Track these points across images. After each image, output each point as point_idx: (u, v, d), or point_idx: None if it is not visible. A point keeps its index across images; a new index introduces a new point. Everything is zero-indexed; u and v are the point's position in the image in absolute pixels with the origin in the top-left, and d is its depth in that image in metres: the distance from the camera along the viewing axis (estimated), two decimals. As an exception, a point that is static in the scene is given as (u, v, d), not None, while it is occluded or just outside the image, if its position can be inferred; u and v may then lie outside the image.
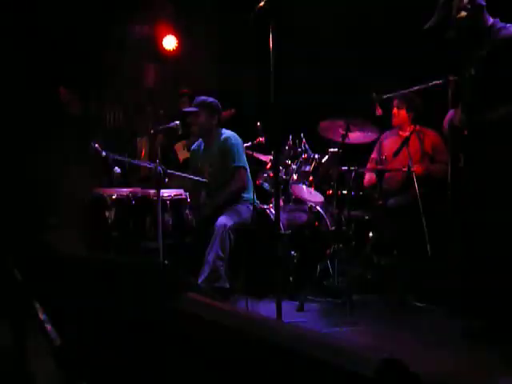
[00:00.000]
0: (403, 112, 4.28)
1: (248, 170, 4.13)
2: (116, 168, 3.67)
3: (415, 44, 4.58)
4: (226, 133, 4.13)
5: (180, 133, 5.31)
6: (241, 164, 4.01)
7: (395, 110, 4.31)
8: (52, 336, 1.52)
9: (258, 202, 4.24)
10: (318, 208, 4.36)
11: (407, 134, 4.13)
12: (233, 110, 4.87)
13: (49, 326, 1.55)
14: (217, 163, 4.09)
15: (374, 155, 4.51)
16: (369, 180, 4.45)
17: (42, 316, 1.56)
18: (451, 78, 3.63)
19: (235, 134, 4.14)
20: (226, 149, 4.03)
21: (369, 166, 4.47)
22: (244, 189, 4.04)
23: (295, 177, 4.31)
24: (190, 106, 4.23)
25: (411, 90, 3.74)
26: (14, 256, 1.63)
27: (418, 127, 4.23)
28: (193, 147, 4.43)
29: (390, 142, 4.37)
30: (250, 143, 4.44)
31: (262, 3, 2.12)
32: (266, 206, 4.19)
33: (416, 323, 3.21)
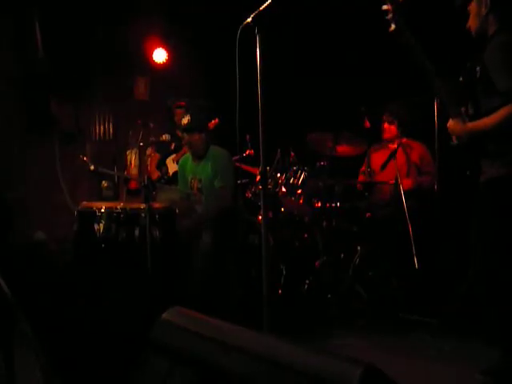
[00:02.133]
0: (394, 127, 4.34)
1: (236, 186, 4.16)
2: (105, 181, 3.66)
3: (403, 57, 4.65)
4: (217, 150, 4.13)
5: (173, 148, 5.34)
6: (227, 183, 4.00)
7: (386, 124, 4.37)
8: (39, 350, 1.52)
9: (247, 214, 4.26)
10: (307, 220, 4.38)
11: (395, 146, 4.19)
12: (216, 120, 4.87)
13: (36, 340, 1.54)
14: (207, 179, 4.10)
15: (363, 168, 4.56)
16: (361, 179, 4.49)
17: (28, 330, 1.56)
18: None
19: (226, 152, 4.14)
20: (216, 167, 4.04)
21: (360, 178, 4.53)
22: (228, 207, 4.04)
23: (284, 189, 4.33)
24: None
25: (398, 102, 3.80)
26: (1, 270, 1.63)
27: (404, 140, 4.29)
28: (180, 160, 4.44)
29: (378, 155, 4.41)
30: (238, 156, 4.46)
31: (248, 19, 2.15)
32: (254, 219, 4.20)
33: (405, 335, 3.23)
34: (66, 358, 1.55)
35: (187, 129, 4.04)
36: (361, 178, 4.55)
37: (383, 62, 4.83)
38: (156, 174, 5.28)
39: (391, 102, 4.34)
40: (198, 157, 4.15)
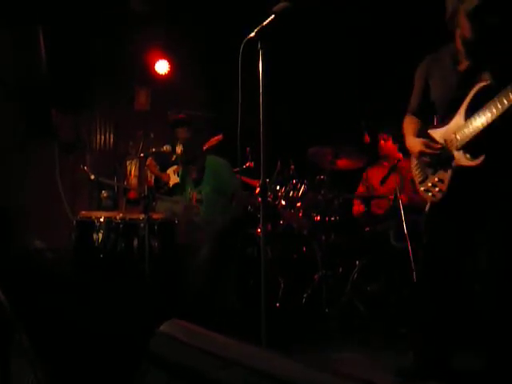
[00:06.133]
0: (389, 143, 4.38)
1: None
2: (104, 191, 3.67)
3: (402, 72, 4.69)
4: (214, 160, 4.16)
5: (173, 158, 5.35)
6: (237, 186, 4.04)
7: (382, 142, 4.41)
8: (37, 361, 1.51)
9: (246, 226, 4.26)
10: (306, 234, 4.37)
11: (391, 164, 4.25)
12: (220, 136, 4.90)
13: (33, 351, 1.54)
14: (208, 191, 4.11)
15: (360, 189, 4.58)
16: (357, 210, 4.51)
17: (25, 341, 1.55)
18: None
19: (223, 160, 4.17)
20: (220, 178, 4.06)
21: (356, 194, 4.54)
22: (247, 205, 4.09)
23: (283, 202, 4.34)
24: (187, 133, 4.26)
25: (392, 120, 3.84)
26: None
27: (401, 157, 4.33)
28: (181, 171, 4.45)
29: (375, 173, 4.44)
30: (238, 168, 4.47)
31: (252, 34, 2.17)
32: (253, 231, 4.20)
33: (404, 351, 3.21)
34: (63, 370, 1.54)
35: (181, 160, 4.11)
36: (356, 207, 4.55)
37: (383, 78, 4.86)
38: (162, 176, 5.30)
39: (386, 119, 4.40)
40: (194, 180, 4.19)
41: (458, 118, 2.47)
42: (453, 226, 2.59)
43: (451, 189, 2.52)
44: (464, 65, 2.51)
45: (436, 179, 2.58)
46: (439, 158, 2.55)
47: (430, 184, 2.61)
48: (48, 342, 1.58)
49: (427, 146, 2.58)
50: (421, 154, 2.61)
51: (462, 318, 2.78)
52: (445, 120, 2.55)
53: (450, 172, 2.51)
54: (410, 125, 2.79)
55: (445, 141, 2.54)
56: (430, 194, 2.61)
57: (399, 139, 4.36)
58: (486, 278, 2.51)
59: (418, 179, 2.70)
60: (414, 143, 2.66)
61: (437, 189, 2.57)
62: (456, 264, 2.62)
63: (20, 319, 1.55)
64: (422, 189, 2.67)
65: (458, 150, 2.46)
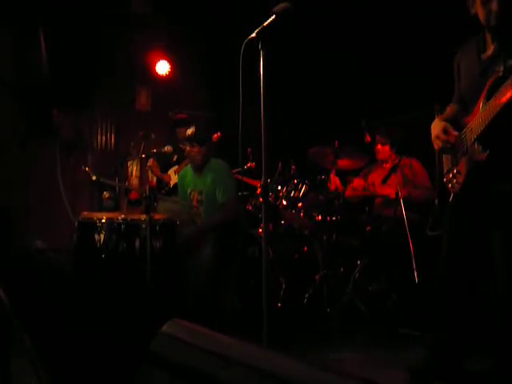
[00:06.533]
0: (387, 148, 4.38)
1: (238, 197, 4.17)
2: (106, 191, 3.67)
3: (404, 72, 4.69)
4: (217, 163, 4.14)
5: (175, 159, 5.35)
6: (230, 196, 4.00)
7: (379, 146, 4.40)
8: (37, 361, 1.52)
9: (247, 227, 4.26)
10: (307, 233, 4.38)
11: (392, 164, 4.25)
12: (218, 133, 4.90)
13: (34, 351, 1.54)
14: (207, 191, 4.10)
15: (357, 181, 4.56)
16: (332, 186, 4.44)
17: (27, 340, 1.56)
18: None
19: (226, 164, 4.15)
20: (218, 180, 4.04)
21: (348, 191, 4.51)
22: (234, 218, 4.04)
23: (284, 202, 4.34)
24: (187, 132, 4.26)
25: (398, 118, 3.83)
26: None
27: (402, 158, 4.33)
28: (180, 172, 4.45)
29: (375, 175, 4.43)
30: (239, 168, 4.47)
31: (253, 34, 2.17)
32: (254, 231, 4.20)
33: (405, 351, 3.21)
34: (64, 370, 1.54)
35: (189, 140, 4.08)
36: (349, 190, 4.53)
37: (384, 77, 4.86)
38: (163, 176, 5.31)
39: (391, 114, 4.39)
40: (197, 168, 4.16)
41: (477, 109, 2.40)
42: (469, 220, 2.54)
43: (466, 181, 2.47)
44: (488, 52, 2.45)
45: (455, 170, 2.53)
46: (458, 148, 2.49)
47: (450, 175, 2.56)
48: (50, 342, 1.58)
49: (445, 131, 2.53)
50: (436, 137, 2.56)
51: (475, 316, 2.74)
52: (468, 110, 2.50)
53: (465, 163, 2.46)
54: (446, 111, 2.72)
55: (464, 131, 2.48)
56: (450, 185, 2.57)
57: (396, 143, 4.36)
58: (497, 276, 2.45)
59: (445, 169, 2.65)
60: (436, 126, 2.60)
61: (455, 180, 2.53)
62: (472, 258, 2.57)
63: (21, 319, 1.56)
64: (444, 180, 2.62)
65: (473, 141, 2.40)
